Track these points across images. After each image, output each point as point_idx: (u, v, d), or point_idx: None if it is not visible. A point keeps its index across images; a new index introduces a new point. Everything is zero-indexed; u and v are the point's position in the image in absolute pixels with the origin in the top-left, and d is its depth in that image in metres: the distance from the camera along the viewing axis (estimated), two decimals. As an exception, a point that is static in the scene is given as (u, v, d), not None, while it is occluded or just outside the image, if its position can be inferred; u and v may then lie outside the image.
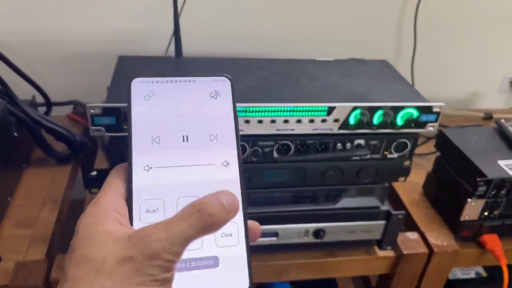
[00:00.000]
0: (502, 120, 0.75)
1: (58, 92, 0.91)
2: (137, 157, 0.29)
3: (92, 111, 0.48)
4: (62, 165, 0.79)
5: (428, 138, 0.90)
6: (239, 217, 0.28)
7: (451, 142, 0.72)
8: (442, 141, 0.74)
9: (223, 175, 0.29)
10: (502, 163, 0.67)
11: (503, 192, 0.66)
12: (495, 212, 0.68)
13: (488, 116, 1.03)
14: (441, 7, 1.05)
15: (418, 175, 0.82)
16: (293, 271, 0.67)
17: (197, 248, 0.27)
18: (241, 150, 0.54)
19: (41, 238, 0.64)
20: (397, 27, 1.06)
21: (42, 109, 0.86)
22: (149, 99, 0.30)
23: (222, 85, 0.32)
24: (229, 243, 0.28)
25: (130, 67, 0.58)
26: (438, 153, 0.76)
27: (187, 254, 0.26)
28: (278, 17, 0.98)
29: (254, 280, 0.71)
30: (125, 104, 0.48)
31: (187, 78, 0.31)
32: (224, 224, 0.26)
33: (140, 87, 0.31)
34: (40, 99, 0.84)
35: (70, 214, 0.76)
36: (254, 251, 0.67)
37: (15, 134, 0.71)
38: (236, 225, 0.28)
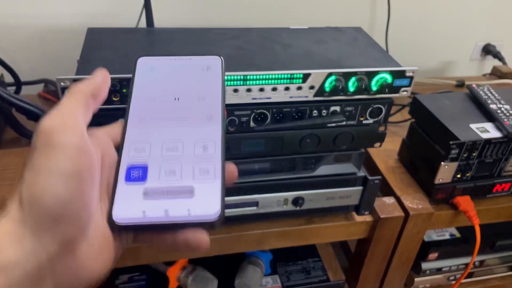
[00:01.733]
0: (474, 85, 0.77)
1: (28, 71, 0.88)
2: (133, 112, 0.34)
3: (62, 83, 0.47)
4: (35, 144, 0.77)
5: (402, 106, 0.92)
6: (217, 157, 0.31)
7: (424, 107, 0.73)
8: (416, 107, 0.75)
9: (206, 125, 0.34)
10: (473, 126, 0.69)
11: (474, 154, 0.68)
12: (468, 174, 0.70)
13: (460, 84, 1.05)
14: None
15: (393, 142, 0.84)
16: (274, 239, 0.68)
17: (176, 179, 0.30)
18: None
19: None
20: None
21: (12, 89, 0.83)
22: (150, 71, 0.37)
23: (214, 61, 0.38)
24: (205, 179, 0.30)
25: (100, 39, 0.57)
26: (412, 120, 0.78)
27: (165, 182, 0.30)
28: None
29: (236, 250, 0.72)
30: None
31: (185, 57, 0.38)
32: None
33: (144, 63, 0.37)
34: (9, 78, 0.81)
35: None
36: (235, 220, 0.67)
37: (-16, 113, 0.69)
38: (213, 164, 0.31)
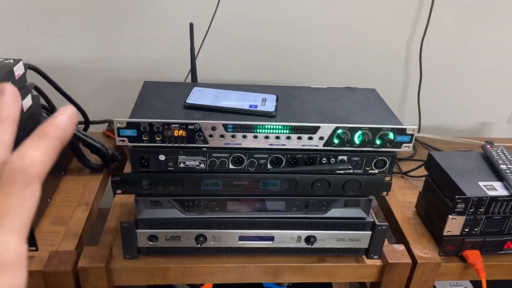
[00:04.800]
0: (488, 146, 0.82)
1: (96, 112, 1.05)
2: None
3: (118, 124, 0.60)
4: (95, 174, 0.91)
5: (424, 162, 0.97)
6: None
7: (437, 163, 0.79)
8: (430, 163, 0.81)
9: None
10: (482, 183, 0.74)
11: (481, 210, 0.72)
12: (476, 229, 0.74)
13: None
14: (446, 41, 1.13)
15: (414, 195, 0.89)
16: (287, 273, 0.74)
17: None
18: (239, 161, 0.64)
19: (73, 233, 0.76)
20: (404, 59, 1.14)
21: (81, 126, 0.99)
22: None
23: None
24: None
25: (152, 90, 0.70)
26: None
27: None
28: (290, 48, 1.09)
29: (254, 280, 0.80)
30: (145, 119, 0.60)
31: None
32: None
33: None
34: (80, 117, 0.98)
35: (99, 216, 0.87)
36: (252, 252, 0.75)
37: (57, 145, 0.84)
38: None
